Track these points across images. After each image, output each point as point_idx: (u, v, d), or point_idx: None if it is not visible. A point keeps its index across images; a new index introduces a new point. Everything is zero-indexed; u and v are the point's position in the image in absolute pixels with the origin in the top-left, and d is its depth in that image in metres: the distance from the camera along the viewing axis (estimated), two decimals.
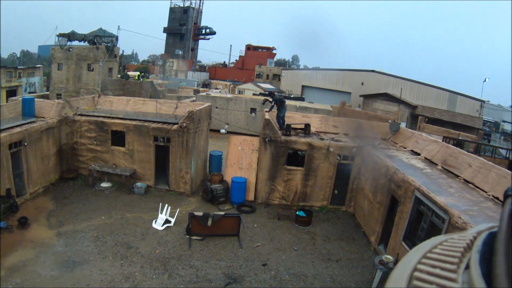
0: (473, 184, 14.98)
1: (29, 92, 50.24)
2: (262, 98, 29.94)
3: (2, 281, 13.52)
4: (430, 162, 18.55)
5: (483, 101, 50.72)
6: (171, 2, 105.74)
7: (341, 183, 21.29)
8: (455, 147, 19.13)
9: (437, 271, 1.22)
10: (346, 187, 21.38)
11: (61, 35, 45.27)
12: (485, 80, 69.11)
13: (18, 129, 19.61)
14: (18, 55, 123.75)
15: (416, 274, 1.23)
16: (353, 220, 20.57)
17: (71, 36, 44.77)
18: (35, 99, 23.41)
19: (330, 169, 21.03)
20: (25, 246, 15.78)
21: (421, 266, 1.27)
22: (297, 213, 19.68)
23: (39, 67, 58.29)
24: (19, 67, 55.56)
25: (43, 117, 22.27)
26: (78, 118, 23.13)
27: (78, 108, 24.56)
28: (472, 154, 17.89)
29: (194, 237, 17.03)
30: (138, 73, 54.48)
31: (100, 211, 19.43)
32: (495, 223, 1.61)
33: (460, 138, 32.18)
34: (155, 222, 18.25)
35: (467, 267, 1.25)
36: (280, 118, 22.69)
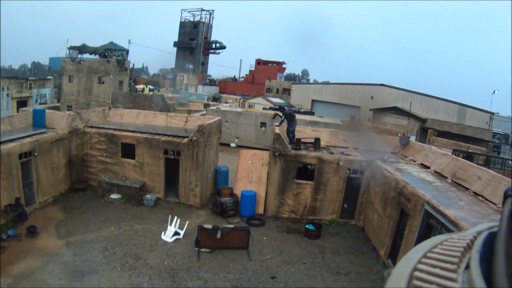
0: (482, 196, 14.90)
1: (40, 103, 50.42)
2: (272, 112, 29.93)
3: None
4: (439, 175, 18.48)
5: (493, 113, 50.37)
6: (181, 17, 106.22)
7: (351, 196, 21.23)
8: (464, 160, 19.06)
9: (437, 270, 1.23)
10: (356, 201, 21.31)
11: (72, 48, 45.49)
12: (494, 92, 68.91)
13: (28, 139, 19.76)
14: (29, 67, 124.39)
15: (416, 273, 1.24)
16: (362, 234, 20.47)
17: (82, 49, 44.98)
18: (46, 110, 23.56)
19: (339, 183, 20.99)
20: (33, 255, 15.82)
21: (421, 265, 1.28)
22: (306, 226, 19.63)
23: (50, 78, 58.59)
24: (30, 78, 55.77)
25: (54, 128, 22.37)
26: (89, 130, 23.26)
27: (88, 120, 24.67)
28: (482, 167, 17.82)
29: (203, 250, 17.00)
30: (145, 86, 54.61)
31: (109, 222, 19.47)
32: (495, 222, 1.62)
33: (469, 150, 32.04)
34: (164, 234, 18.24)
35: (467, 267, 1.26)
36: (290, 132, 22.69)
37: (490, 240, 1.37)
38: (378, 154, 22.02)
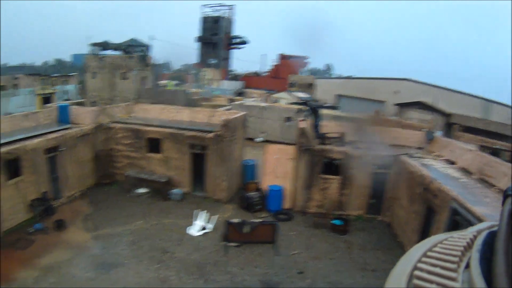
0: None
1: (64, 100, 50.87)
2: (297, 107, 29.86)
3: (37, 280, 13.76)
4: (465, 171, 18.29)
5: None
6: (202, 12, 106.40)
7: (377, 192, 21.10)
8: (490, 156, 18.86)
9: (438, 270, 1.20)
10: (382, 196, 21.18)
11: (94, 44, 45.84)
12: None
13: (54, 135, 19.96)
14: (52, 63, 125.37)
15: (416, 272, 1.20)
16: (389, 230, 20.34)
17: (105, 45, 45.40)
18: (71, 106, 23.75)
19: (366, 178, 20.88)
20: (61, 248, 16.03)
21: (422, 264, 1.25)
22: (333, 221, 19.57)
23: (73, 75, 59.14)
24: (53, 75, 56.30)
25: (79, 124, 22.57)
26: (114, 125, 23.42)
27: (113, 115, 24.76)
28: (508, 163, 17.64)
29: (230, 244, 17.02)
30: (170, 82, 54.82)
31: (136, 216, 19.60)
32: (495, 222, 1.57)
33: (495, 146, 31.76)
34: (192, 228, 18.30)
35: (467, 266, 1.22)
36: (315, 126, 22.59)
37: (490, 240, 1.33)
38: (404, 149, 21.91)
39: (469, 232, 1.52)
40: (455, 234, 1.53)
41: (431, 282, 1.15)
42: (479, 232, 1.52)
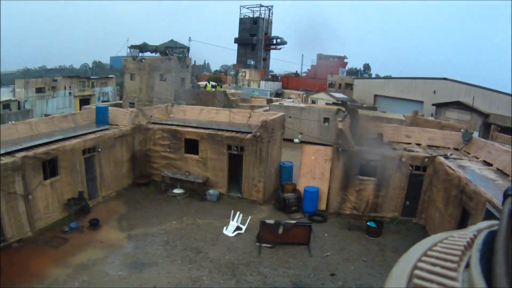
0: None
1: (102, 101, 51.68)
2: (335, 107, 29.78)
3: (70, 277, 14.05)
4: (502, 173, 18.04)
5: None
6: (241, 13, 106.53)
7: (413, 194, 20.90)
8: None
9: (438, 269, 1.22)
10: (418, 199, 20.96)
11: (133, 47, 46.24)
12: None
13: (91, 136, 20.33)
14: (90, 66, 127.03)
15: (417, 272, 1.22)
16: (423, 233, 20.05)
17: (143, 47, 45.70)
18: (109, 108, 24.07)
19: (402, 179, 20.71)
20: (95, 246, 16.35)
21: (422, 264, 1.27)
22: (368, 223, 19.47)
23: (112, 77, 59.89)
24: (91, 77, 57.03)
25: (117, 125, 22.91)
26: (152, 126, 23.69)
27: (151, 116, 25.09)
28: None
29: (264, 245, 17.09)
30: (208, 83, 55.07)
31: (172, 216, 19.81)
32: (495, 221, 1.58)
33: None
34: (226, 229, 18.44)
35: (468, 265, 1.24)
36: (353, 127, 22.52)
37: (490, 239, 1.35)
38: (441, 150, 21.70)
39: (469, 231, 1.54)
40: (455, 233, 1.55)
41: (431, 281, 1.18)
42: (479, 231, 1.54)
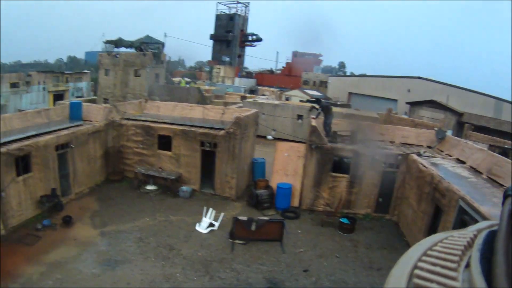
0: None
1: (77, 97, 51.15)
2: (309, 105, 29.83)
3: (43, 276, 13.87)
4: (475, 171, 18.26)
5: None
6: (217, 10, 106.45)
7: (386, 191, 21.05)
8: (500, 156, 18.78)
9: (438, 269, 1.21)
10: (391, 195, 21.12)
11: (108, 42, 46.03)
12: None
13: (65, 132, 20.11)
14: (65, 61, 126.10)
15: (417, 272, 1.21)
16: (396, 229, 20.30)
17: (118, 43, 45.50)
18: (83, 103, 23.94)
19: (375, 176, 20.85)
20: (68, 244, 16.17)
21: (422, 264, 1.26)
22: (340, 220, 19.56)
23: (86, 72, 59.32)
24: (66, 72, 56.51)
25: (91, 121, 22.78)
26: (125, 122, 23.55)
27: (125, 112, 24.97)
28: None
29: (237, 241, 17.09)
30: (182, 79, 54.97)
31: (145, 213, 19.70)
32: (495, 221, 1.58)
33: (506, 146, 31.57)
34: (199, 225, 18.40)
35: (468, 265, 1.23)
36: (327, 125, 22.58)
37: (490, 239, 1.34)
38: (414, 147, 21.88)
39: (469, 231, 1.54)
40: (455, 233, 1.55)
41: (431, 281, 1.18)
42: (479, 231, 1.54)
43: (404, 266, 1.29)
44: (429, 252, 1.34)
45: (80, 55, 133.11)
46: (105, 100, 42.37)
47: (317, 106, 23.23)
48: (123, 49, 46.49)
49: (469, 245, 1.39)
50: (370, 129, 24.86)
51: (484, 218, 12.03)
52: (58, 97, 48.61)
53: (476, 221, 12.53)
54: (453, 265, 1.22)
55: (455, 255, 1.30)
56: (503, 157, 18.47)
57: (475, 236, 1.46)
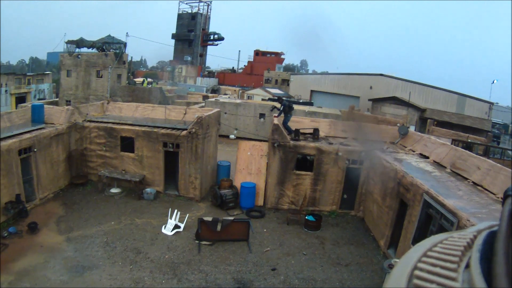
0: (481, 186, 14.94)
1: (39, 99, 50.52)
2: (271, 103, 29.89)
3: (12, 285, 13.63)
4: (438, 165, 18.53)
5: (492, 103, 50.16)
6: (179, 8, 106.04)
7: (350, 187, 21.26)
8: (463, 150, 19.07)
9: (438, 269, 1.24)
10: (355, 192, 21.34)
11: (69, 42, 45.48)
12: (493, 82, 68.79)
13: (27, 135, 19.80)
14: (27, 62, 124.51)
15: (417, 272, 1.24)
16: (362, 224, 20.52)
17: (80, 43, 44.97)
18: (45, 106, 23.62)
19: (339, 173, 21.02)
20: (35, 251, 15.89)
21: (422, 264, 1.29)
22: (306, 217, 19.66)
23: (48, 73, 58.60)
24: (28, 73, 55.81)
25: (53, 124, 22.46)
26: (88, 124, 23.29)
27: (87, 114, 24.69)
28: (481, 157, 17.82)
29: (203, 242, 17.06)
30: (145, 79, 54.65)
31: (110, 216, 19.53)
32: (495, 221, 1.62)
33: (469, 140, 32.05)
34: (165, 228, 18.30)
35: (468, 266, 1.27)
36: (287, 123, 22.68)
37: (490, 239, 1.37)
38: (376, 144, 22.08)
39: (469, 231, 1.57)
40: (455, 233, 1.57)
41: (431, 282, 1.20)
42: (479, 231, 1.56)
43: (404, 267, 1.31)
44: (429, 253, 1.37)
45: (42, 56, 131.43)
46: (67, 102, 41.88)
47: (278, 105, 23.32)
48: (85, 49, 46.03)
49: (469, 245, 1.42)
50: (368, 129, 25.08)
51: (449, 211, 12.22)
52: (20, 99, 48.01)
53: (441, 215, 12.79)
54: (453, 266, 1.25)
55: (455, 255, 1.33)
56: (466, 151, 18.78)
57: (475, 236, 1.49)
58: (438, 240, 1.52)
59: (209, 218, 17.41)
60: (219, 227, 17.08)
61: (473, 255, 1.30)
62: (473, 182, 15.53)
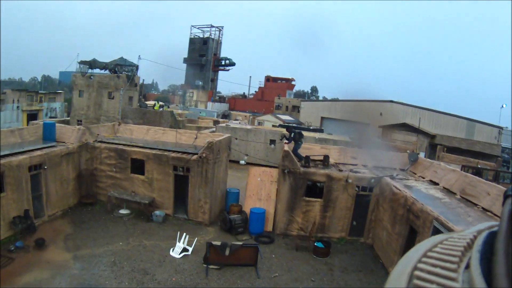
0: (491, 212, 14.89)
1: (50, 117, 50.83)
2: (281, 129, 29.94)
3: None
4: (448, 191, 18.49)
5: (501, 128, 50.29)
6: (191, 33, 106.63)
7: (360, 214, 21.16)
8: (473, 176, 19.05)
9: (438, 270, 1.24)
10: (365, 218, 21.22)
11: (82, 63, 45.83)
12: (502, 106, 68.73)
13: (38, 152, 19.98)
14: (39, 80, 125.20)
15: (417, 273, 1.24)
16: (371, 252, 20.39)
17: (92, 64, 45.34)
18: (56, 124, 23.74)
19: (348, 200, 20.95)
20: (41, 267, 15.90)
21: (422, 265, 1.29)
22: (315, 244, 19.56)
23: (60, 92, 59.04)
24: (40, 91, 56.19)
25: (64, 142, 22.62)
26: (99, 144, 23.42)
27: (98, 135, 24.84)
28: (491, 182, 17.80)
29: (211, 266, 16.96)
30: (156, 102, 54.89)
31: (118, 237, 19.49)
32: (495, 222, 1.62)
33: (478, 166, 31.97)
34: (173, 250, 18.23)
35: (468, 266, 1.27)
36: (297, 150, 22.71)
37: (490, 240, 1.37)
38: (387, 170, 22.06)
39: (469, 232, 1.56)
40: (455, 234, 1.57)
41: (431, 282, 1.20)
42: (479, 232, 1.56)
43: (404, 267, 1.31)
44: (429, 254, 1.37)
45: (55, 75, 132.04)
46: (79, 122, 42.14)
47: (287, 135, 23.45)
48: (97, 71, 46.35)
49: (469, 246, 1.42)
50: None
51: None
52: (32, 116, 48.35)
53: None
54: (453, 266, 1.25)
55: (455, 256, 1.33)
56: (476, 177, 18.75)
57: (475, 237, 1.49)
58: (438, 241, 1.52)
59: (218, 242, 17.34)
60: (227, 252, 17.00)
61: (473, 256, 1.30)
62: (482, 208, 15.49)
